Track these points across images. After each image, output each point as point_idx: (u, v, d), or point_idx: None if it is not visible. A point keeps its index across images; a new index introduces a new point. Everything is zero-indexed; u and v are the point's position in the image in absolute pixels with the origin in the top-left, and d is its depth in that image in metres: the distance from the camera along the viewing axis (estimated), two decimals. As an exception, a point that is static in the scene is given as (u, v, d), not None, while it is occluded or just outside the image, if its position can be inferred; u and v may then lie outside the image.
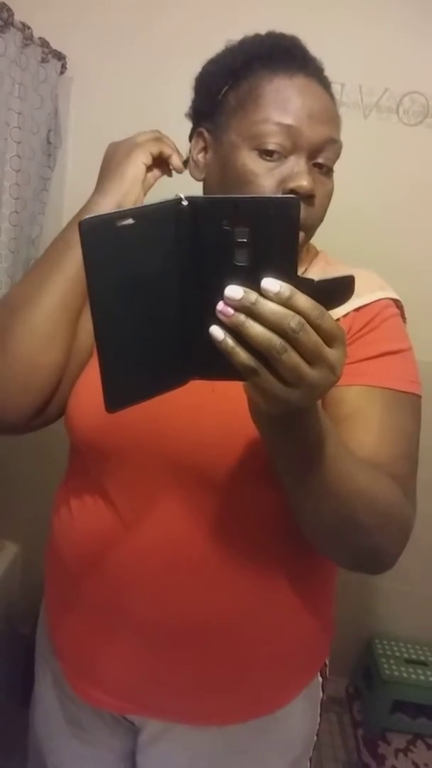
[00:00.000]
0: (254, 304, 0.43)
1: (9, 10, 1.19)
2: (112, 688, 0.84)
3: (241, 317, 0.44)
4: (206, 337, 0.45)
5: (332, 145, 0.74)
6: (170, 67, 1.50)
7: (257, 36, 0.80)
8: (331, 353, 0.46)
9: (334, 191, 0.78)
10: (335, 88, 0.80)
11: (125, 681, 0.83)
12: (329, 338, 0.46)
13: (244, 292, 0.43)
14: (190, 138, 0.83)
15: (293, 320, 0.43)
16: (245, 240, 0.43)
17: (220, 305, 0.44)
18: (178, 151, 0.81)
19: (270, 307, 0.43)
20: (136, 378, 0.48)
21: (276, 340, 0.44)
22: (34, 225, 1.55)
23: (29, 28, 1.28)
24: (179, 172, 0.83)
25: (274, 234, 0.43)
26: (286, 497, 0.65)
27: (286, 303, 0.43)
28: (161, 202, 0.44)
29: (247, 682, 0.82)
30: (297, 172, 0.72)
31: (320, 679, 0.92)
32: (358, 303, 0.77)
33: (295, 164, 0.72)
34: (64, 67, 1.48)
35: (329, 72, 0.79)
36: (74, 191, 1.60)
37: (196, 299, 0.46)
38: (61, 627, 0.89)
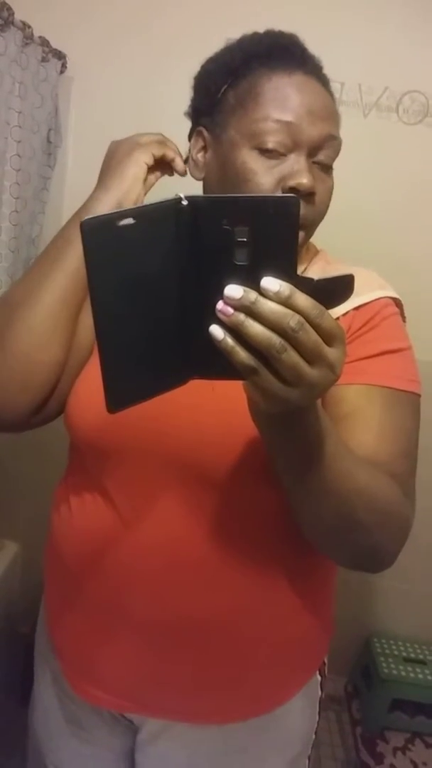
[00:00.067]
0: (254, 304, 0.43)
1: (9, 9, 1.19)
2: (112, 686, 0.84)
3: (241, 316, 0.44)
4: (206, 337, 0.45)
5: (332, 141, 0.74)
6: (170, 67, 1.50)
7: (256, 34, 0.80)
8: (331, 352, 0.46)
9: (334, 190, 0.78)
10: (335, 86, 0.81)
11: (124, 679, 0.83)
12: (329, 337, 0.46)
13: (244, 291, 0.43)
14: (190, 137, 0.83)
15: (293, 319, 0.43)
16: (245, 239, 0.44)
17: (220, 304, 0.44)
18: (180, 155, 0.82)
19: (269, 307, 0.43)
20: (136, 378, 0.48)
21: (275, 339, 0.44)
22: (34, 224, 1.55)
23: (29, 27, 1.28)
24: (182, 175, 0.83)
25: (273, 233, 0.43)
26: (285, 496, 0.65)
27: (285, 302, 0.43)
28: (161, 202, 0.44)
29: (246, 680, 0.83)
30: (297, 170, 0.72)
31: (319, 677, 0.92)
32: (357, 302, 0.77)
33: (295, 162, 0.72)
34: (64, 66, 1.48)
35: (329, 71, 0.79)
36: (74, 190, 1.59)
37: (196, 298, 0.46)
38: (61, 626, 0.89)
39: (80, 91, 1.57)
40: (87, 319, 0.80)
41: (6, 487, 1.83)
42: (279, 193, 0.72)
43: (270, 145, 0.71)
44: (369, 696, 1.86)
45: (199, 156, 0.81)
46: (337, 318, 0.74)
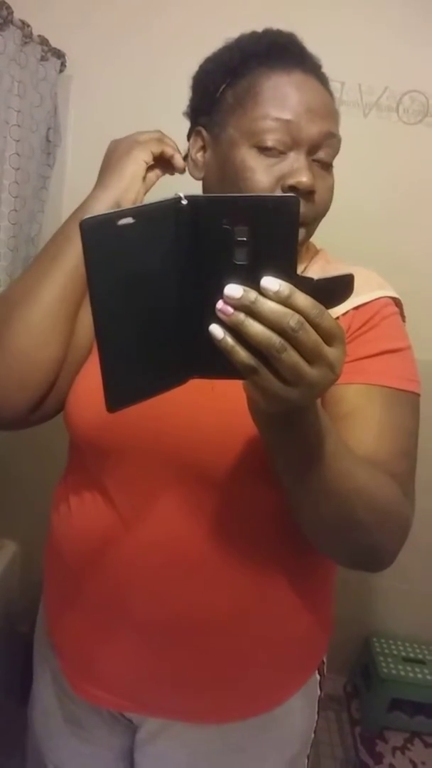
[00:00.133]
0: (254, 303, 0.43)
1: (8, 8, 1.18)
2: (111, 685, 0.84)
3: (241, 316, 0.44)
4: (206, 336, 0.45)
5: (331, 139, 0.74)
6: (170, 66, 1.49)
7: (254, 34, 0.80)
8: (331, 352, 0.46)
9: (334, 189, 0.78)
10: (335, 86, 0.81)
11: (124, 679, 0.83)
12: (328, 337, 0.46)
13: (244, 290, 0.43)
14: (189, 137, 0.83)
15: (293, 319, 0.43)
16: (245, 239, 0.44)
17: (220, 304, 0.44)
18: (179, 152, 0.81)
19: (269, 306, 0.43)
20: (136, 377, 0.48)
21: (275, 338, 0.44)
22: (33, 223, 1.55)
23: (29, 26, 1.27)
24: (181, 172, 0.83)
25: (273, 233, 0.43)
26: (285, 496, 0.65)
27: (285, 302, 0.43)
28: (161, 201, 0.44)
29: (245, 679, 0.83)
30: (297, 168, 0.72)
31: (318, 677, 0.92)
32: (357, 301, 0.77)
33: (295, 160, 0.72)
34: (63, 65, 1.48)
35: (329, 71, 0.79)
36: (73, 189, 1.59)
37: (196, 298, 0.46)
38: (60, 625, 0.89)
39: (79, 90, 1.57)
40: (86, 318, 0.80)
41: (6, 486, 1.83)
42: (278, 192, 0.72)
43: (269, 143, 0.71)
44: (368, 696, 1.86)
45: (198, 155, 0.81)
46: (337, 317, 0.74)
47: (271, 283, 0.43)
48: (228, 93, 0.76)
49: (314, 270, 0.84)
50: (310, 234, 0.79)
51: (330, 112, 0.75)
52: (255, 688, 0.84)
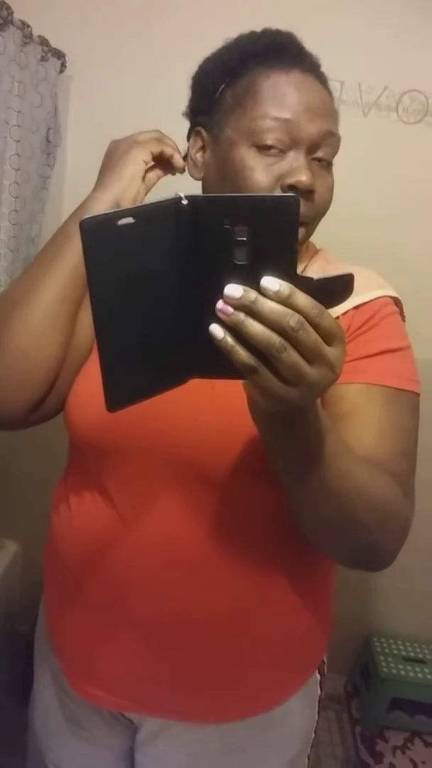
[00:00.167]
0: (254, 303, 0.43)
1: (8, 8, 1.18)
2: (111, 685, 0.84)
3: (241, 316, 0.44)
4: (206, 336, 0.45)
5: (331, 138, 0.74)
6: (170, 66, 1.49)
7: (253, 33, 0.80)
8: (331, 351, 0.46)
9: (334, 189, 0.78)
10: (334, 86, 0.81)
11: (124, 679, 0.83)
12: (328, 336, 0.46)
13: (244, 290, 0.43)
14: (188, 137, 0.83)
15: (292, 319, 0.43)
16: (245, 239, 0.44)
17: (220, 304, 0.44)
18: (179, 151, 0.81)
19: (269, 306, 0.43)
20: (136, 377, 0.49)
21: (275, 338, 0.44)
22: (33, 223, 1.55)
23: (29, 26, 1.27)
24: (181, 172, 0.83)
25: (273, 233, 0.43)
26: (285, 495, 0.65)
27: (285, 301, 0.43)
28: (161, 201, 0.44)
29: (245, 679, 0.83)
30: (296, 168, 0.72)
31: (318, 676, 0.92)
32: (357, 301, 0.77)
33: (294, 159, 0.72)
34: (63, 65, 1.48)
35: (329, 70, 0.79)
36: (74, 190, 1.59)
37: (196, 298, 0.46)
38: (60, 625, 0.89)
39: (79, 90, 1.57)
40: (86, 318, 0.80)
41: (6, 486, 1.83)
42: (278, 192, 0.72)
43: (269, 143, 0.71)
44: (368, 695, 1.86)
45: (198, 156, 0.81)
46: (337, 317, 0.74)
47: (271, 282, 0.43)
48: (227, 93, 0.76)
49: (314, 270, 0.84)
50: (309, 233, 0.79)
51: (329, 111, 0.75)
52: (255, 687, 0.84)
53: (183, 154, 0.82)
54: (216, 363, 0.47)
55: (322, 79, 0.77)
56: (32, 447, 1.62)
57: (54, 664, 0.92)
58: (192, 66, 0.82)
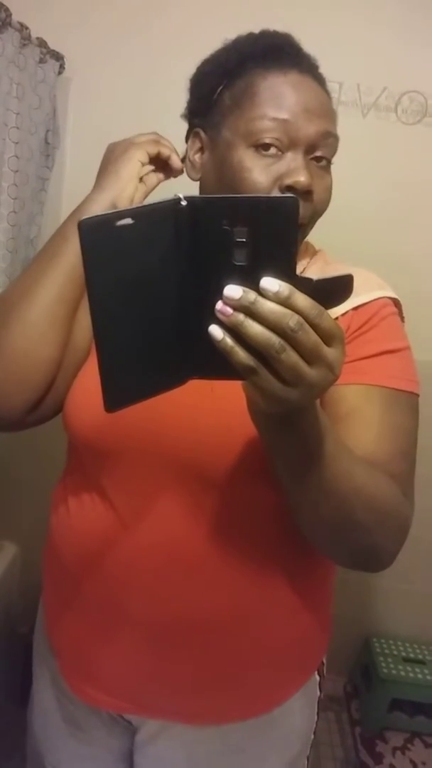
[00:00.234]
0: (253, 304, 0.43)
1: (7, 10, 1.18)
2: (110, 687, 0.84)
3: (240, 317, 0.44)
4: (205, 337, 0.45)
5: (329, 139, 0.74)
6: (169, 68, 1.49)
7: (251, 35, 0.80)
8: (330, 352, 0.46)
9: (333, 189, 0.78)
10: (333, 87, 0.81)
11: (123, 680, 0.83)
12: (328, 337, 0.46)
13: (243, 291, 0.43)
14: (187, 139, 0.83)
15: (292, 319, 0.43)
16: (244, 240, 0.44)
17: (219, 305, 0.44)
18: (176, 152, 0.82)
19: (269, 307, 0.43)
20: (135, 377, 0.48)
21: (275, 339, 0.44)
22: (32, 225, 1.55)
23: (27, 28, 1.27)
24: (179, 171, 0.83)
25: (272, 234, 0.43)
26: (284, 496, 0.65)
27: (284, 302, 0.43)
28: (160, 202, 0.44)
29: (245, 680, 0.83)
30: (294, 168, 0.72)
31: (318, 677, 0.92)
32: (356, 302, 0.77)
33: (292, 160, 0.72)
34: (62, 67, 1.48)
35: (327, 71, 0.79)
36: (72, 192, 1.59)
37: (195, 299, 0.46)
38: (59, 626, 0.89)
39: (78, 92, 1.57)
40: (84, 319, 0.80)
41: (5, 488, 1.83)
42: (276, 192, 0.72)
43: (267, 140, 0.71)
44: (368, 696, 1.86)
45: (196, 157, 0.81)
46: (336, 318, 0.74)
47: (270, 283, 0.43)
48: (225, 94, 0.76)
49: (313, 270, 0.84)
50: (305, 233, 0.80)
51: (327, 112, 0.75)
52: (254, 688, 0.84)
53: (182, 155, 0.82)
54: (215, 364, 0.47)
55: (320, 79, 0.78)
56: (31, 448, 1.62)
57: (53, 666, 0.91)
58: (190, 68, 0.82)
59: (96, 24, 1.51)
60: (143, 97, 1.52)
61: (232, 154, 0.74)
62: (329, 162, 0.76)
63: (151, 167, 0.81)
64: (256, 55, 0.75)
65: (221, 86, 0.77)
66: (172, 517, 0.77)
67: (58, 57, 1.45)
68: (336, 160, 0.77)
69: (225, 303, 0.44)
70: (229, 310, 0.44)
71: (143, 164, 0.78)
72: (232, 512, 0.76)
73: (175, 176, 0.83)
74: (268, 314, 0.43)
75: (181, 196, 0.44)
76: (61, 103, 1.53)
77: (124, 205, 0.76)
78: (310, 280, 0.46)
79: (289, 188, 0.71)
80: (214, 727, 0.85)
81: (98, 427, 0.77)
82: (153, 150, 0.79)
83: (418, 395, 0.76)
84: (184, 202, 0.44)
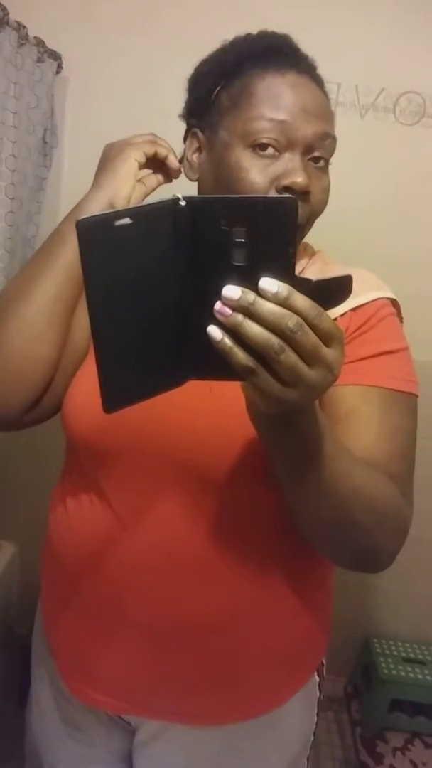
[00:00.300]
0: (252, 304, 0.43)
1: (4, 9, 1.18)
2: (109, 688, 0.84)
3: (239, 317, 0.44)
4: (204, 337, 0.45)
5: (327, 139, 0.74)
6: (167, 68, 1.49)
7: (249, 35, 0.80)
8: (329, 353, 0.46)
9: (332, 190, 0.78)
10: (332, 88, 0.81)
11: (122, 681, 0.83)
12: (327, 338, 0.46)
13: (242, 292, 0.43)
14: (185, 139, 0.83)
15: (291, 320, 0.43)
16: (243, 240, 0.43)
17: (218, 305, 0.44)
18: (173, 152, 0.81)
19: (268, 308, 0.43)
20: (133, 378, 0.48)
21: (274, 340, 0.44)
22: (30, 225, 1.55)
23: (24, 27, 1.27)
24: (177, 172, 0.82)
25: (271, 234, 0.43)
26: (283, 497, 0.65)
27: (284, 303, 0.43)
28: (158, 202, 0.44)
29: (244, 681, 0.83)
30: (291, 169, 0.72)
31: (317, 678, 0.92)
32: (355, 303, 0.77)
33: (290, 161, 0.72)
34: (60, 66, 1.48)
35: (326, 72, 0.79)
36: (70, 191, 1.59)
37: (194, 299, 0.46)
38: (58, 626, 0.89)
39: (76, 91, 1.57)
40: (83, 318, 0.80)
41: (4, 487, 1.82)
42: (274, 193, 0.72)
43: (264, 140, 0.71)
44: (368, 696, 1.86)
45: (194, 157, 0.81)
46: (335, 319, 0.74)
47: (269, 284, 0.43)
48: (223, 95, 0.76)
49: (312, 271, 0.84)
50: (303, 235, 0.79)
51: (325, 113, 0.75)
52: (254, 689, 0.84)
53: (179, 156, 0.82)
54: (214, 364, 0.47)
55: (318, 80, 0.77)
56: (30, 448, 1.62)
57: (51, 667, 0.91)
58: (188, 68, 0.82)
59: (94, 23, 1.51)
60: (141, 97, 1.52)
61: (229, 154, 0.74)
62: (327, 162, 0.76)
63: (149, 171, 0.81)
64: (254, 56, 0.75)
65: (219, 86, 0.77)
66: (171, 517, 0.77)
67: (55, 56, 1.45)
68: (334, 161, 0.77)
69: (224, 303, 0.44)
70: (228, 311, 0.44)
71: (140, 163, 0.78)
72: (231, 513, 0.76)
73: (176, 177, 0.83)
74: (267, 315, 0.43)
75: (179, 196, 0.44)
76: (58, 103, 1.52)
77: (121, 204, 0.76)
78: (309, 280, 0.45)
79: (287, 189, 0.71)
80: (214, 727, 0.85)
81: (97, 428, 0.77)
82: (149, 150, 0.79)
83: (416, 396, 0.76)
84: (182, 203, 0.44)
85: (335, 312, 0.74)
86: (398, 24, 1.49)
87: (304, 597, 0.83)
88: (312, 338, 0.45)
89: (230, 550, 0.77)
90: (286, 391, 0.46)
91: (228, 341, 0.45)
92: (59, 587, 0.88)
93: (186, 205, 0.44)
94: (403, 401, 0.74)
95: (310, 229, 0.79)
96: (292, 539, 0.73)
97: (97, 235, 0.42)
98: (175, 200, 0.44)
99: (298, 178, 0.71)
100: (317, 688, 0.92)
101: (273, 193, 0.72)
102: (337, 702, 1.97)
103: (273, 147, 0.72)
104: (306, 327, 0.44)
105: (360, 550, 0.68)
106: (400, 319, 0.83)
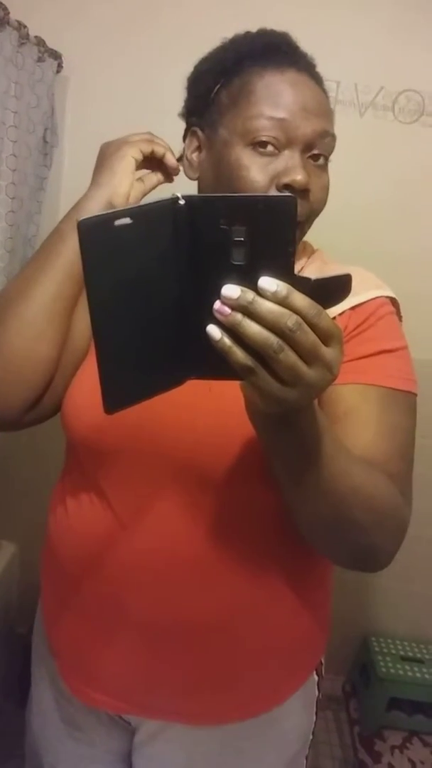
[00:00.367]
0: (251, 304, 0.43)
1: (5, 8, 1.18)
2: (109, 687, 0.84)
3: (238, 316, 0.44)
4: (203, 337, 0.45)
5: (326, 137, 0.74)
6: (167, 67, 1.49)
7: (248, 34, 0.80)
8: (328, 352, 0.46)
9: (331, 188, 0.78)
10: (331, 86, 0.81)
11: (122, 681, 0.83)
12: (326, 337, 0.46)
13: (241, 291, 0.43)
14: (184, 138, 0.83)
15: (290, 319, 0.43)
16: (242, 239, 0.44)
17: (217, 304, 0.44)
18: (171, 151, 0.81)
19: (267, 307, 0.43)
20: (133, 378, 0.48)
21: (273, 339, 0.44)
22: (30, 224, 1.55)
23: (25, 27, 1.27)
24: (176, 170, 0.82)
25: (270, 233, 0.43)
26: (282, 496, 0.65)
27: (283, 302, 0.43)
28: (158, 202, 0.44)
29: (243, 680, 0.83)
30: (291, 167, 0.72)
31: (316, 677, 0.92)
32: (354, 301, 0.77)
33: (289, 158, 0.72)
34: (60, 66, 1.48)
35: (325, 70, 0.79)
36: (71, 190, 1.59)
37: (194, 298, 0.46)
38: (58, 627, 0.89)
39: (76, 91, 1.57)
40: (83, 318, 0.80)
41: (4, 487, 1.82)
42: (273, 191, 0.72)
43: (264, 138, 0.71)
44: (367, 695, 1.86)
45: (194, 156, 0.81)
46: (334, 317, 0.74)
47: (268, 283, 0.43)
48: (222, 93, 0.76)
49: (311, 270, 0.84)
50: (303, 233, 0.79)
51: (324, 111, 0.75)
52: (253, 688, 0.84)
53: (178, 154, 0.82)
54: (213, 364, 0.47)
55: (317, 78, 0.77)
56: (30, 448, 1.62)
57: (51, 667, 0.91)
58: (188, 67, 0.82)
59: (94, 23, 1.51)
60: (141, 96, 1.52)
61: (229, 152, 0.74)
62: (327, 160, 0.76)
63: (147, 171, 0.81)
64: (254, 54, 0.75)
65: (218, 85, 0.77)
66: (171, 517, 0.77)
67: (56, 56, 1.45)
68: (333, 159, 0.77)
69: (223, 303, 0.44)
70: (227, 310, 0.44)
71: (137, 161, 0.78)
72: (230, 512, 0.76)
73: (175, 175, 0.83)
74: (266, 314, 0.43)
75: (179, 195, 0.44)
76: (59, 102, 1.52)
77: (120, 201, 0.76)
78: (308, 279, 0.45)
79: (287, 187, 0.71)
80: (213, 727, 0.85)
81: (97, 428, 0.77)
82: (146, 148, 0.79)
83: (415, 394, 0.76)
84: (182, 202, 0.44)
85: (334, 311, 0.74)
86: (397, 23, 1.49)
87: (304, 596, 0.83)
88: (311, 337, 0.45)
89: (229, 549, 0.77)
90: (285, 391, 0.46)
91: (227, 340, 0.45)
92: (59, 587, 0.88)
93: (185, 204, 0.44)
94: (402, 400, 0.74)
95: (309, 227, 0.79)
96: (292, 538, 0.73)
97: (97, 235, 0.42)
98: (175, 199, 0.44)
99: (298, 176, 0.71)
100: (316, 687, 0.92)
101: (273, 191, 0.72)
102: (335, 701, 1.97)
103: (273, 145, 0.72)
104: (305, 326, 0.44)
105: (359, 549, 0.68)
106: (400, 317, 0.83)
